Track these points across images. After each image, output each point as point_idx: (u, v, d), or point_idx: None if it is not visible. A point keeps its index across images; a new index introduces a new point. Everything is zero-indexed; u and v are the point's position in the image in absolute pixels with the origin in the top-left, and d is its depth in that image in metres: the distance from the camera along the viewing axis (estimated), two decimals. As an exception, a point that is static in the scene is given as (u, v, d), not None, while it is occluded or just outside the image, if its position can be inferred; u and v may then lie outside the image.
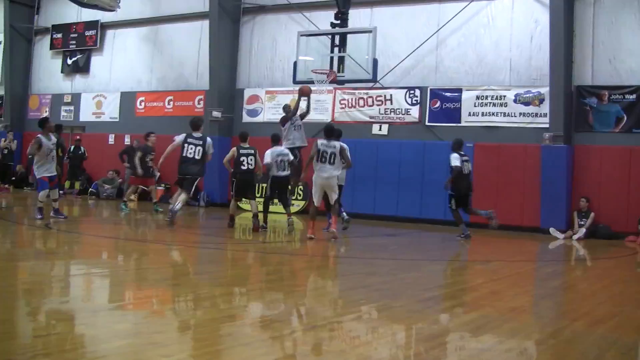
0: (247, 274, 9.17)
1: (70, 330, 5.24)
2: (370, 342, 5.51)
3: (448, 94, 17.92)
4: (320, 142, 12.64)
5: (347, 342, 5.46)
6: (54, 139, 13.66)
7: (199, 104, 21.80)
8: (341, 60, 15.56)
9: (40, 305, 6.05)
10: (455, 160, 14.30)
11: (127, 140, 22.70)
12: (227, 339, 5.32)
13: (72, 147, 21.98)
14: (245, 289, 7.83)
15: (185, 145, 13.93)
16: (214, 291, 7.47)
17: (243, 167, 13.86)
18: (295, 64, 16.25)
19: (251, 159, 13.92)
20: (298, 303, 7.12)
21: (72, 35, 25.01)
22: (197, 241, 12.87)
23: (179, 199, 13.98)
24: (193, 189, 14.14)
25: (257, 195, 18.43)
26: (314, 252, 11.62)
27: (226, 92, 21.01)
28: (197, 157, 13.92)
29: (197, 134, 14.09)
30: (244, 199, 15.05)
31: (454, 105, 17.80)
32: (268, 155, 13.63)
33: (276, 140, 14.12)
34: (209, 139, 14.30)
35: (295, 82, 16.48)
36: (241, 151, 13.92)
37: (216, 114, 20.42)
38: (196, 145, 13.93)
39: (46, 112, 25.51)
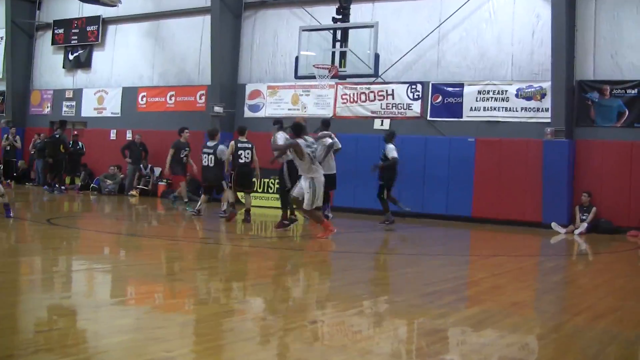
0: (248, 269, 9.17)
1: (72, 326, 5.25)
2: (372, 336, 5.52)
3: (450, 89, 17.91)
4: (303, 143, 11.65)
5: (349, 336, 5.46)
6: None
7: (200, 99, 21.80)
8: (343, 55, 15.54)
9: (41, 301, 6.06)
10: (393, 151, 14.98)
11: (128, 136, 22.72)
12: (229, 334, 5.33)
13: (71, 143, 21.92)
14: (247, 284, 7.84)
15: (202, 155, 15.03)
16: (215, 286, 7.48)
17: (241, 160, 14.24)
18: (297, 59, 16.24)
19: (248, 153, 14.29)
20: (300, 298, 7.13)
21: (73, 31, 25.00)
22: (199, 236, 12.87)
23: (223, 199, 15.36)
24: (225, 186, 15.03)
25: (259, 190, 18.52)
26: (316, 247, 11.62)
27: (228, 88, 21.00)
28: (210, 164, 14.85)
29: (212, 143, 14.98)
30: (240, 193, 15.35)
31: (455, 100, 17.80)
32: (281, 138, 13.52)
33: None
34: (220, 146, 14.89)
35: (297, 77, 16.50)
36: (239, 145, 14.29)
37: (218, 109, 20.41)
38: (209, 154, 14.84)
39: (48, 107, 25.54)
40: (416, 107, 18.33)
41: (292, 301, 6.92)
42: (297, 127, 11.99)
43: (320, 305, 6.77)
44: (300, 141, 11.63)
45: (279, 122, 14.32)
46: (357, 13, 17.82)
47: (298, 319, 6.06)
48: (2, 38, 26.21)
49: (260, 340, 5.13)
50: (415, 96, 18.35)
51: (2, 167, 23.25)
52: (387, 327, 5.87)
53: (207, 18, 21.19)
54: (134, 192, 21.35)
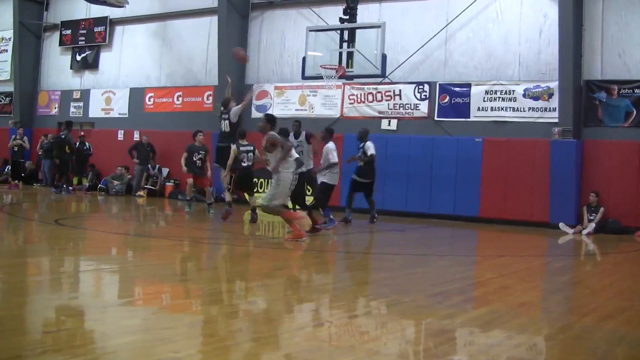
0: (255, 270, 9.17)
1: (79, 326, 5.26)
2: (380, 337, 5.51)
3: (457, 89, 17.89)
4: (291, 138, 11.91)
5: (356, 337, 5.46)
6: None
7: (207, 99, 21.84)
8: (350, 55, 15.55)
9: (49, 302, 6.07)
10: (372, 149, 15.15)
11: (136, 136, 22.76)
12: (236, 334, 5.33)
13: (77, 143, 21.93)
14: (254, 285, 7.84)
15: (220, 122, 15.63)
16: (222, 287, 7.48)
17: (243, 164, 14.35)
18: (304, 59, 16.26)
19: (250, 156, 14.40)
20: (307, 298, 7.12)
21: (81, 32, 25.08)
22: (205, 237, 12.88)
23: (225, 193, 15.17)
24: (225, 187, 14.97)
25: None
26: (322, 248, 11.62)
27: (235, 88, 20.94)
28: (226, 129, 15.33)
29: (226, 110, 15.45)
30: (245, 195, 15.45)
31: (463, 100, 17.78)
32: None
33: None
34: (234, 109, 15.33)
35: (304, 77, 16.52)
36: (241, 148, 14.39)
37: (225, 109, 20.42)
38: (224, 119, 15.41)
39: (55, 108, 25.61)
40: (423, 107, 18.32)
41: (299, 302, 6.92)
42: (271, 119, 11.89)
43: (327, 305, 6.77)
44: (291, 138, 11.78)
45: (286, 131, 14.28)
46: (364, 13, 17.82)
47: (305, 319, 6.06)
48: (9, 39, 26.32)
49: (267, 340, 5.13)
50: (423, 96, 18.33)
51: (10, 168, 23.33)
52: (394, 327, 5.86)
53: (214, 19, 21.23)
54: (141, 193, 21.39)
